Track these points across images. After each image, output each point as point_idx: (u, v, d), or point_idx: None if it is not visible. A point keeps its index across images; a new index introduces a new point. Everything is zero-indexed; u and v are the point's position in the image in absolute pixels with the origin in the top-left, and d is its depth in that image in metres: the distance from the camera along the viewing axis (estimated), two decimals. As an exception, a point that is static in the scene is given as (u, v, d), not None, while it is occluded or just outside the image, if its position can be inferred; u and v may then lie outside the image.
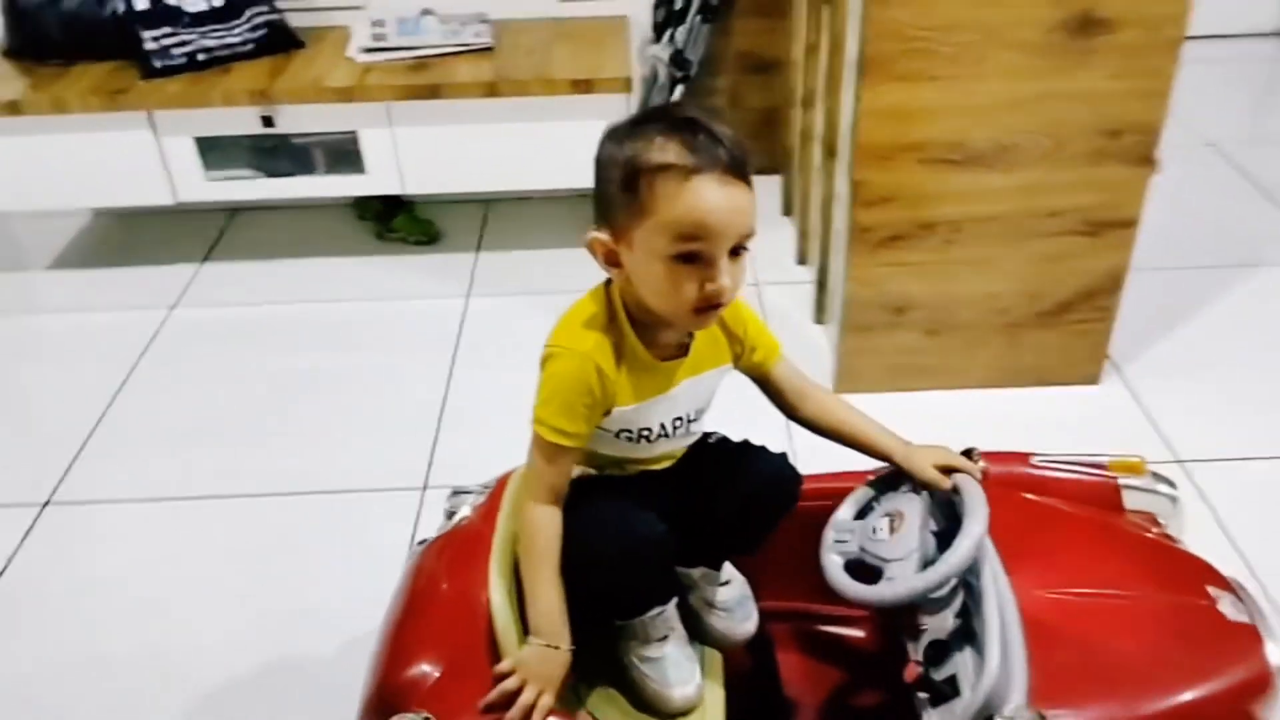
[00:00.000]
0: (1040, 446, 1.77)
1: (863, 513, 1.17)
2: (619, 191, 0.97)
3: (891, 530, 1.11)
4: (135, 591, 1.66)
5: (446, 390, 2.07)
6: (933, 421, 1.90)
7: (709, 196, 0.96)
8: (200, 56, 2.29)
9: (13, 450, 1.96)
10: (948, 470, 1.15)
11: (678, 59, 2.40)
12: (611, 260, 1.01)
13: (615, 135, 0.99)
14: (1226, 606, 1.14)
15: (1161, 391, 1.99)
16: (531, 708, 1.00)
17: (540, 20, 2.51)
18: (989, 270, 1.86)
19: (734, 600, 1.23)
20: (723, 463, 1.17)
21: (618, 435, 1.09)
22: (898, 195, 1.77)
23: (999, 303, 1.90)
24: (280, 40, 2.39)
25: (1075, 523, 1.26)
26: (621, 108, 2.26)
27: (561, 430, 1.03)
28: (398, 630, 1.12)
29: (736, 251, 1.00)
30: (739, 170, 0.98)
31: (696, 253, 0.97)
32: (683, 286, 0.98)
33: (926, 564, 1.06)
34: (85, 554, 1.73)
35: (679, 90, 2.43)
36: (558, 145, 2.29)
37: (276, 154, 2.36)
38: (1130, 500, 1.30)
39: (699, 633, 1.23)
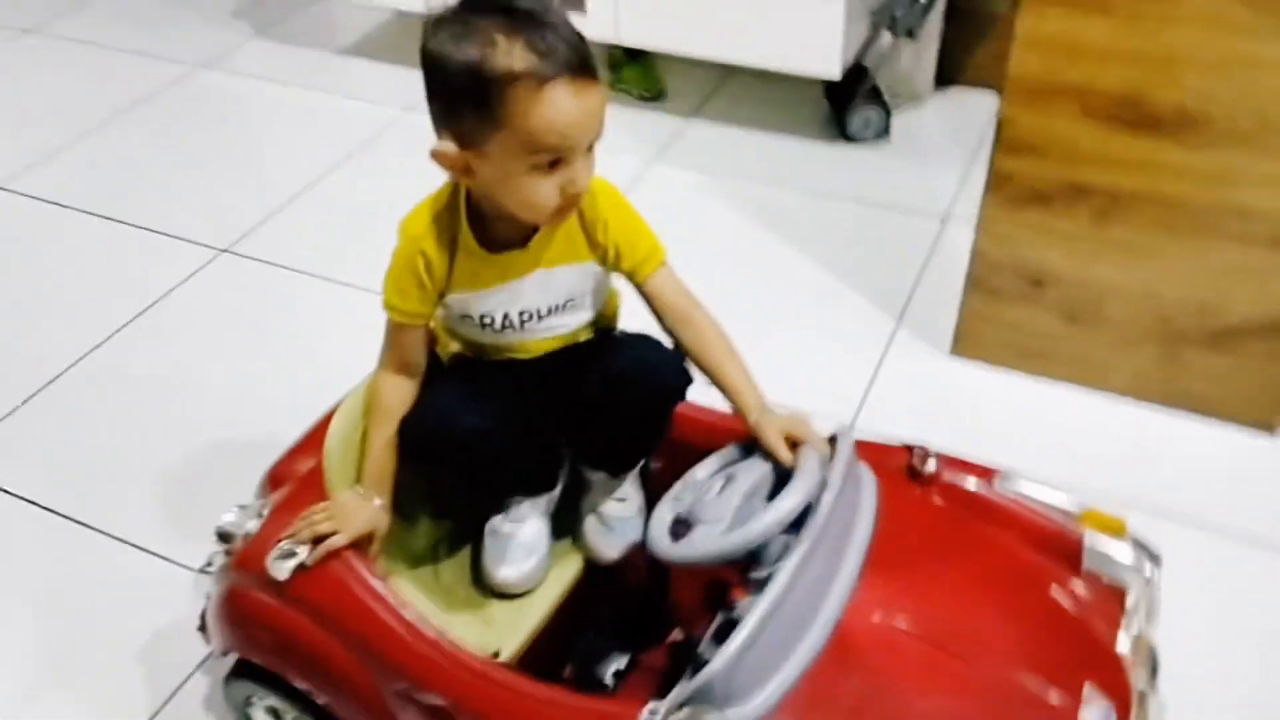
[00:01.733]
0: (1177, 484, 1.54)
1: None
2: (465, 100, 0.93)
3: (720, 492, 1.02)
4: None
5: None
6: (1060, 419, 1.68)
7: (565, 106, 0.92)
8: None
9: (226, 195, 2.29)
10: (796, 444, 1.02)
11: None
12: (463, 170, 0.98)
13: (445, 28, 0.93)
14: (1091, 715, 0.93)
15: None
16: (322, 539, 1.05)
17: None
18: (1151, 263, 1.54)
19: (615, 519, 1.19)
20: (598, 349, 1.12)
21: (463, 319, 1.09)
22: (1049, 147, 1.50)
23: (1160, 306, 1.57)
24: None
25: (988, 560, 1.08)
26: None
27: (394, 306, 1.07)
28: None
29: (590, 147, 0.97)
30: (588, 69, 0.93)
31: (556, 159, 0.94)
32: (541, 191, 0.96)
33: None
34: (238, 303, 2.01)
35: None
36: (784, 20, 2.16)
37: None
38: (1092, 562, 1.08)
39: (576, 535, 1.21)
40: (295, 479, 1.17)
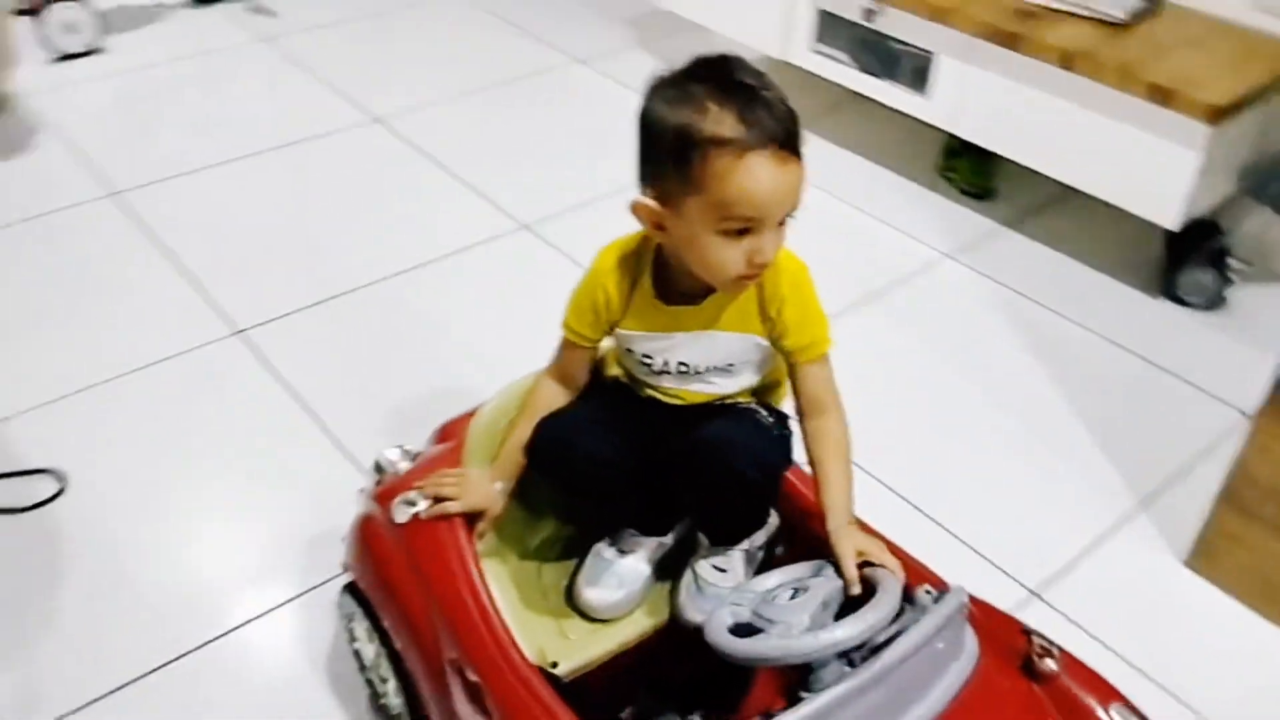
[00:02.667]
0: None
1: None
2: (669, 160, 0.97)
3: (791, 598, 0.98)
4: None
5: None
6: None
7: (763, 177, 0.95)
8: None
9: (549, 179, 2.47)
10: (868, 565, 1.00)
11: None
12: (657, 225, 1.02)
13: (662, 92, 0.98)
14: None
15: None
16: (438, 500, 1.15)
17: (1216, 19, 2.13)
18: None
19: (708, 584, 1.16)
20: (702, 418, 1.11)
21: (628, 352, 1.14)
22: (1355, 370, 1.29)
23: None
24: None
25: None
26: (1200, 140, 1.88)
27: (569, 325, 1.15)
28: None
29: (783, 221, 1.00)
30: (792, 145, 0.96)
31: (746, 228, 0.97)
32: (728, 257, 0.99)
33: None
34: (518, 276, 2.18)
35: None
36: (1121, 152, 2.02)
37: (874, 50, 2.42)
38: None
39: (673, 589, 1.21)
40: (456, 440, 1.28)
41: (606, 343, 1.18)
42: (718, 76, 0.96)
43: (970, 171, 2.47)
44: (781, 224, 1.00)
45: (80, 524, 1.59)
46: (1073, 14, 2.13)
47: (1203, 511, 1.56)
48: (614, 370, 1.21)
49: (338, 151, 2.57)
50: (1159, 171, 1.97)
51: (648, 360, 1.12)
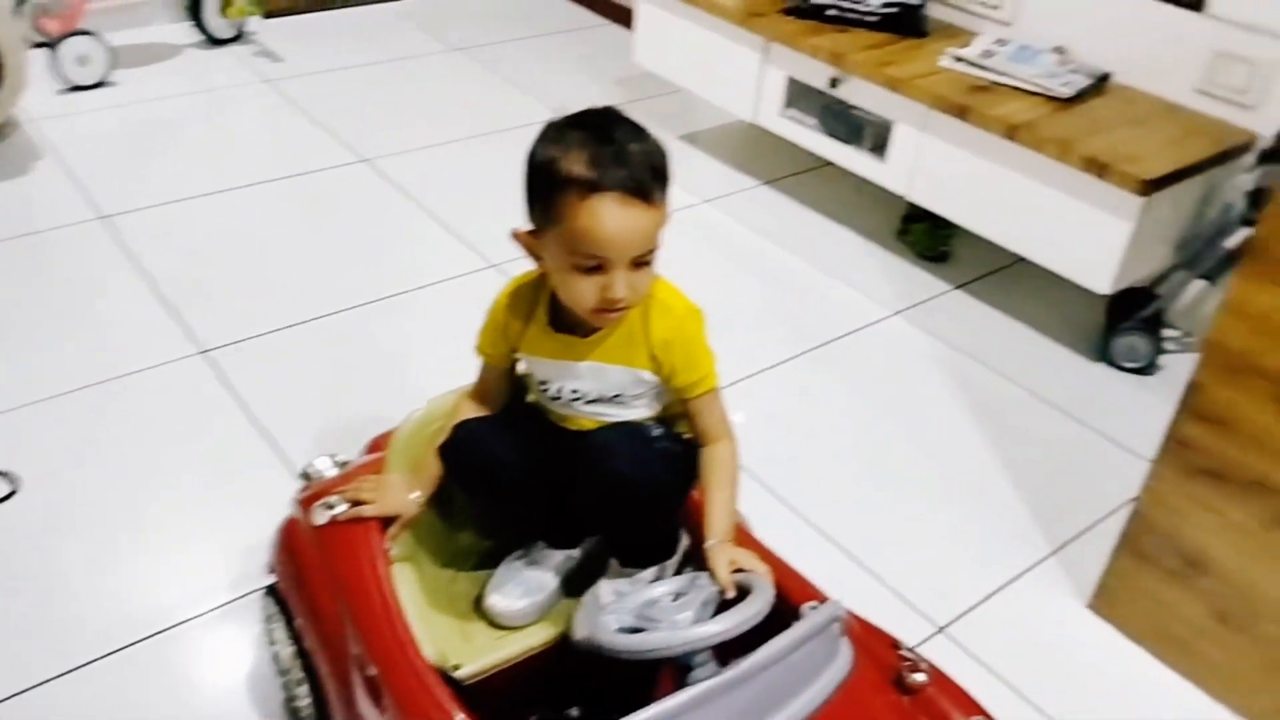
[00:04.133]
0: None
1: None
2: (537, 194, 1.08)
3: (673, 602, 1.05)
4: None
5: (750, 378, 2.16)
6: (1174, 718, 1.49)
7: (605, 218, 1.04)
8: (830, 11, 2.54)
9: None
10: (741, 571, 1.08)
11: (1256, 197, 1.97)
12: (534, 254, 1.13)
13: (548, 131, 1.08)
14: None
15: None
16: (355, 504, 1.22)
17: (1160, 100, 2.24)
18: (1323, 592, 1.34)
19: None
20: (584, 442, 1.18)
21: (530, 376, 1.23)
22: (1236, 426, 1.36)
23: (1324, 643, 1.36)
24: (906, 23, 2.51)
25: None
26: (1131, 211, 1.98)
27: (480, 346, 1.25)
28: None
29: (641, 263, 1.08)
30: (641, 192, 1.04)
31: (597, 265, 1.06)
32: (583, 290, 1.09)
33: None
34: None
35: (1244, 233, 2.01)
36: (1059, 220, 2.12)
37: (839, 117, 2.54)
38: None
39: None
40: (382, 449, 1.35)
41: (525, 366, 1.26)
42: (591, 125, 1.06)
43: (925, 236, 2.57)
44: (642, 264, 1.08)
45: (26, 526, 1.66)
46: (1022, 90, 2.24)
47: (1108, 558, 1.62)
48: (532, 395, 1.29)
49: (323, 188, 2.68)
50: (1093, 240, 2.06)
51: (544, 385, 1.21)
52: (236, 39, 3.41)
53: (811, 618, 1.04)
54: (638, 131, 1.08)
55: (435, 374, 2.09)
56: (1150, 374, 2.20)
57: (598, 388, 1.18)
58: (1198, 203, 2.15)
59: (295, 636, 1.27)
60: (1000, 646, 1.57)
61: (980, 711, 1.08)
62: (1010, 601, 1.66)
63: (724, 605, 1.07)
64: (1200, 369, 1.38)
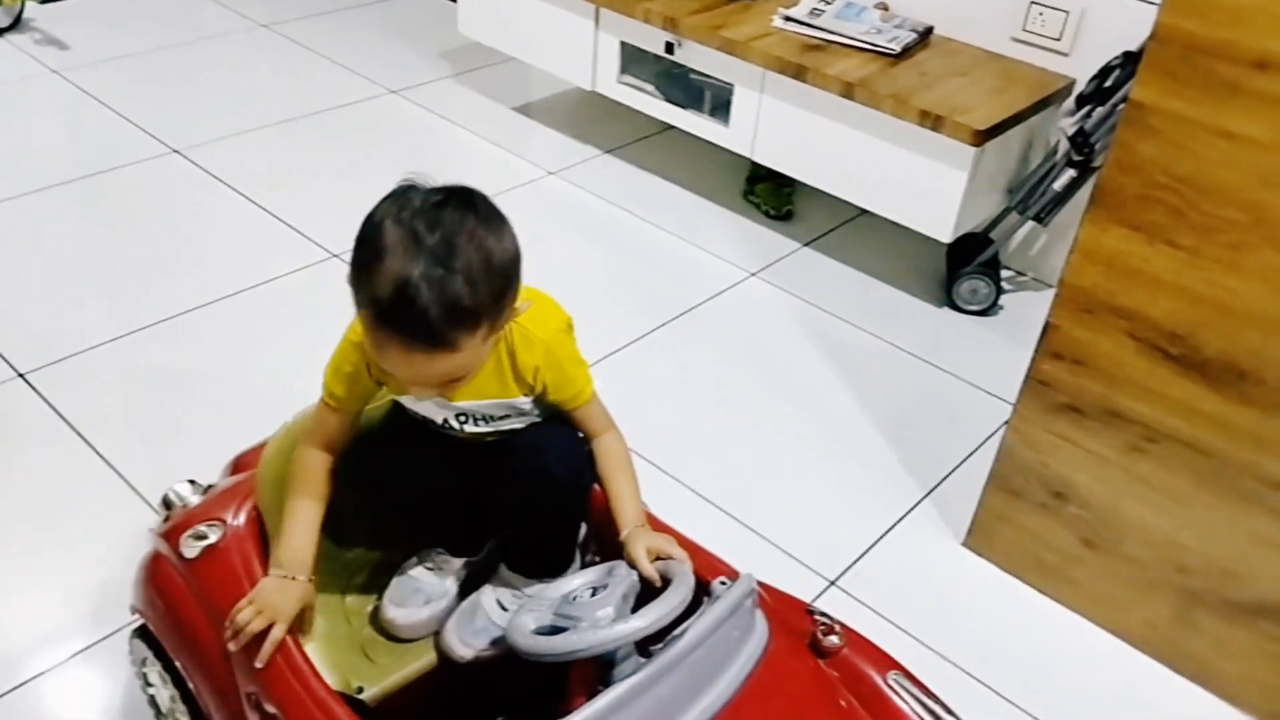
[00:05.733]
0: None
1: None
2: (352, 265, 0.98)
3: (592, 597, 1.02)
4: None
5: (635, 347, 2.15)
6: (1053, 643, 1.59)
7: (389, 355, 0.98)
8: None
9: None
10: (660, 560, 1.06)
11: (1079, 139, 2.08)
12: None
13: (389, 203, 0.97)
14: None
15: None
16: (263, 636, 1.04)
17: (981, 50, 2.33)
18: (1178, 510, 1.43)
19: (481, 618, 1.16)
20: (506, 449, 1.13)
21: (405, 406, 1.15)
22: (1091, 362, 1.43)
23: (1181, 556, 1.46)
24: (737, -15, 2.52)
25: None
26: (966, 160, 2.05)
27: (329, 389, 1.12)
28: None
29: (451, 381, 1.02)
30: (431, 339, 0.95)
31: None
32: (393, 374, 1.03)
33: None
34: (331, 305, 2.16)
35: (1069, 174, 2.12)
36: (900, 174, 2.17)
37: (678, 82, 2.53)
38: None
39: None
40: (249, 472, 1.25)
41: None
42: (421, 227, 0.93)
43: (770, 195, 2.60)
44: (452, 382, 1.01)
45: None
46: (853, 47, 2.29)
47: (977, 496, 1.69)
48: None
49: (134, 184, 2.47)
50: (932, 190, 2.13)
51: (421, 418, 1.14)
52: (13, 27, 3.09)
53: (728, 595, 1.03)
54: (477, 246, 0.95)
55: (282, 378, 1.98)
56: (992, 314, 2.30)
57: (481, 413, 1.12)
58: (1023, 148, 2.25)
59: (175, 677, 1.17)
60: (888, 593, 1.62)
61: (896, 666, 1.11)
62: (892, 548, 1.71)
63: (643, 593, 1.05)
64: (1055, 311, 1.45)
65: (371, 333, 0.96)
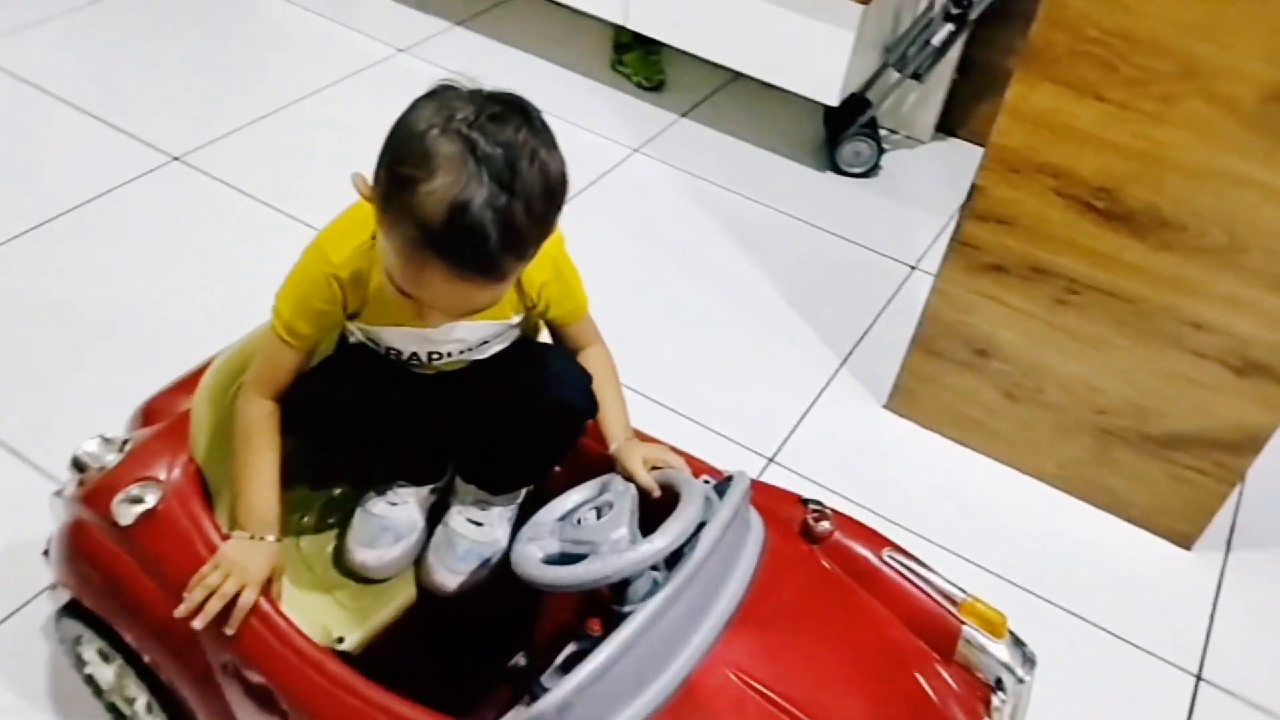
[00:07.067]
0: (1078, 573, 1.51)
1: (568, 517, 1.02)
2: (383, 173, 0.85)
3: (599, 518, 0.97)
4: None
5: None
6: (980, 492, 1.65)
7: (430, 282, 0.85)
8: None
9: (198, 103, 2.19)
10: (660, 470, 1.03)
11: (956, -8, 2.08)
12: (370, 201, 0.89)
13: (430, 109, 0.83)
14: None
15: (1248, 595, 1.54)
16: (234, 600, 0.94)
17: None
18: (1098, 356, 1.50)
19: (462, 542, 1.10)
20: (508, 362, 1.06)
21: (368, 341, 1.03)
22: (1017, 221, 1.46)
23: (1098, 399, 1.54)
24: None
25: (861, 633, 1.04)
26: (853, 19, 2.02)
27: (290, 328, 0.98)
28: None
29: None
30: (485, 270, 0.84)
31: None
32: (400, 295, 0.89)
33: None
34: (175, 216, 1.93)
35: (947, 28, 2.12)
36: (784, 37, 2.11)
37: (534, -57, 2.36)
38: (966, 654, 1.05)
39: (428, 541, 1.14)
40: (167, 420, 1.12)
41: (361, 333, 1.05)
42: (478, 139, 0.81)
43: (641, 64, 2.50)
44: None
45: None
46: (722, -101, 2.17)
47: (892, 359, 1.73)
48: (355, 338, 1.08)
49: (-85, 92, 2.13)
50: (819, 52, 2.09)
51: (394, 353, 1.03)
52: None
53: (729, 497, 1.00)
54: (540, 168, 0.84)
55: (151, 300, 1.79)
56: (874, 175, 2.32)
57: (461, 344, 1.02)
58: (895, 5, 2.23)
59: (126, 652, 1.05)
60: (824, 463, 1.64)
61: (888, 543, 1.12)
62: (820, 419, 1.73)
63: (644, 505, 1.01)
64: (981, 173, 1.45)
65: (410, 256, 0.83)
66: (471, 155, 0.81)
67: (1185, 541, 1.59)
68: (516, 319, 1.04)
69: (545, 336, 1.14)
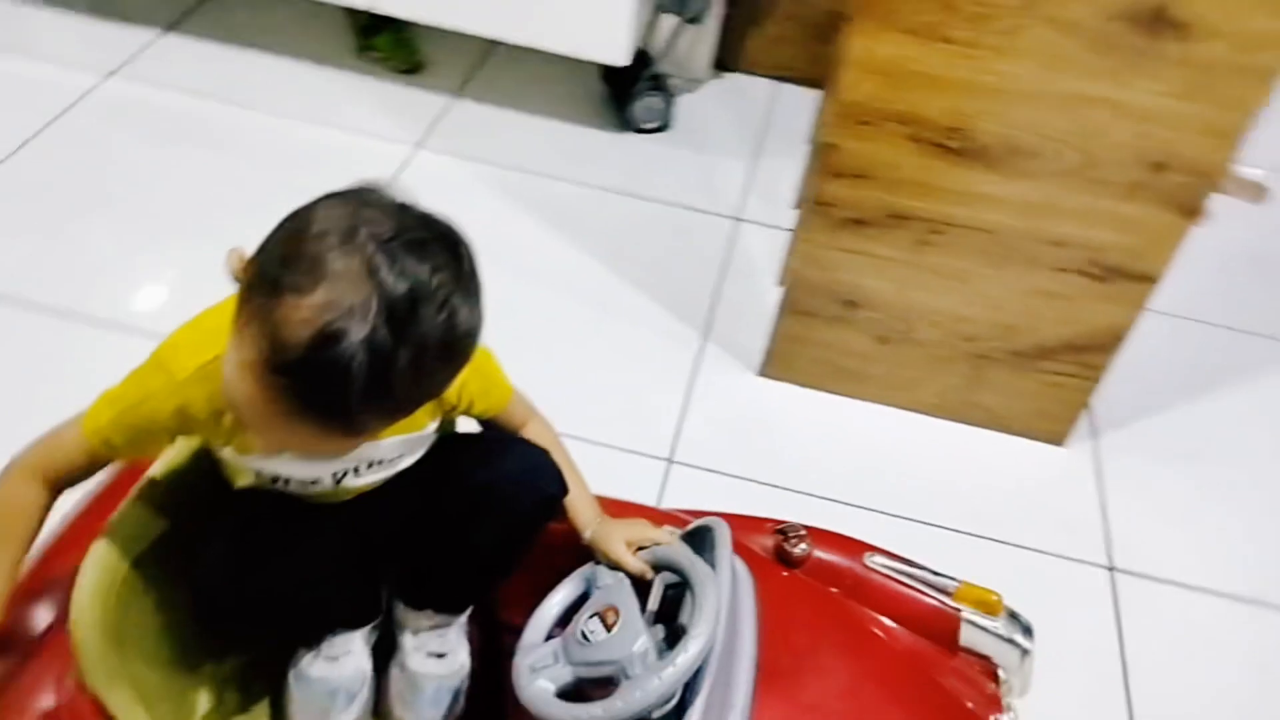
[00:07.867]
0: (975, 496, 1.53)
1: (564, 621, 0.91)
2: (258, 271, 0.67)
3: (608, 628, 0.86)
4: None
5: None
6: (869, 436, 1.64)
7: (270, 415, 0.67)
8: None
9: None
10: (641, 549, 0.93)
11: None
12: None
13: (337, 210, 0.68)
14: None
15: (1129, 477, 1.66)
16: None
17: None
18: (964, 288, 1.53)
19: (428, 683, 0.96)
20: (451, 459, 0.92)
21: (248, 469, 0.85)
22: (873, 173, 1.43)
23: (967, 328, 1.57)
24: None
25: (873, 652, 1.01)
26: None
27: (103, 436, 0.79)
28: None
29: None
30: (334, 422, 0.68)
31: None
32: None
33: (661, 653, 0.84)
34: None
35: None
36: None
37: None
38: (969, 639, 1.04)
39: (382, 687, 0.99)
40: None
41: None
42: (384, 274, 0.65)
43: (394, 47, 2.28)
44: None
45: None
46: None
47: (750, 322, 1.70)
48: (240, 481, 0.90)
49: None
50: (599, 12, 1.97)
51: (282, 482, 0.86)
52: None
53: (721, 552, 0.92)
54: (446, 318, 0.68)
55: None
56: (668, 129, 2.24)
57: (367, 460, 0.87)
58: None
59: None
60: (720, 450, 1.59)
61: (868, 547, 1.08)
62: (702, 404, 1.67)
63: (638, 588, 0.91)
64: (832, 131, 1.41)
65: (252, 369, 0.66)
66: (368, 280, 0.65)
67: (1059, 439, 1.68)
68: (433, 426, 0.89)
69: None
